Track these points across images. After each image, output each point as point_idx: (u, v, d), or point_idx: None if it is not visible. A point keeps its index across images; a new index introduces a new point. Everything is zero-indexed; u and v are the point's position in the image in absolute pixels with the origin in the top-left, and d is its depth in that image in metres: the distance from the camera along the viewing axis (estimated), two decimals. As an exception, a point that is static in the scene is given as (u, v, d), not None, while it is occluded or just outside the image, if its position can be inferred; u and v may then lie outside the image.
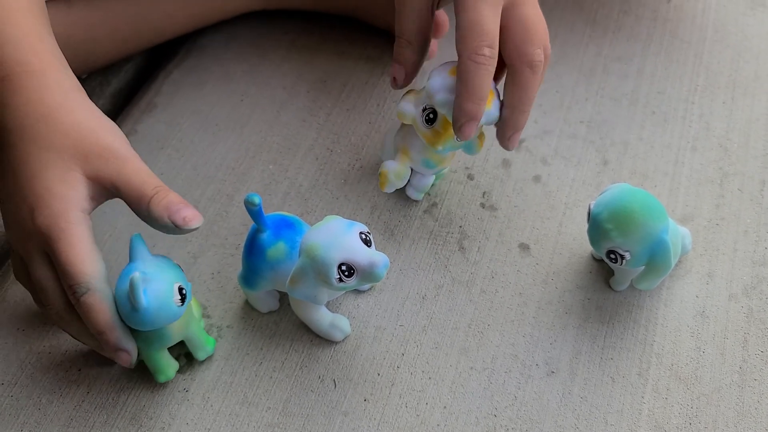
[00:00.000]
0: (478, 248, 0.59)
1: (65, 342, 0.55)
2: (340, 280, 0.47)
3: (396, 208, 0.61)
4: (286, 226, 0.52)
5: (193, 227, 0.47)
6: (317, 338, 0.55)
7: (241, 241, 0.59)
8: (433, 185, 0.61)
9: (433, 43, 0.66)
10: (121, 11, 0.67)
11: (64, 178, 0.48)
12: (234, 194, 0.63)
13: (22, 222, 0.48)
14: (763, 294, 0.55)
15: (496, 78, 0.56)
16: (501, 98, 0.55)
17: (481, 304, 0.56)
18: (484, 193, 0.62)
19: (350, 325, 0.55)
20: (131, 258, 0.48)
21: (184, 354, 0.53)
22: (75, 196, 0.48)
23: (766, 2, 0.75)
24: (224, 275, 0.58)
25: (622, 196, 0.50)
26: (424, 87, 0.55)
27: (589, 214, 0.52)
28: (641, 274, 0.53)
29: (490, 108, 0.53)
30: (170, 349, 0.52)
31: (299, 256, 0.48)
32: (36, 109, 0.49)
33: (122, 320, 0.48)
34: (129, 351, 0.49)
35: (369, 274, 0.46)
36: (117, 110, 0.72)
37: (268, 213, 0.52)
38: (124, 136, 0.50)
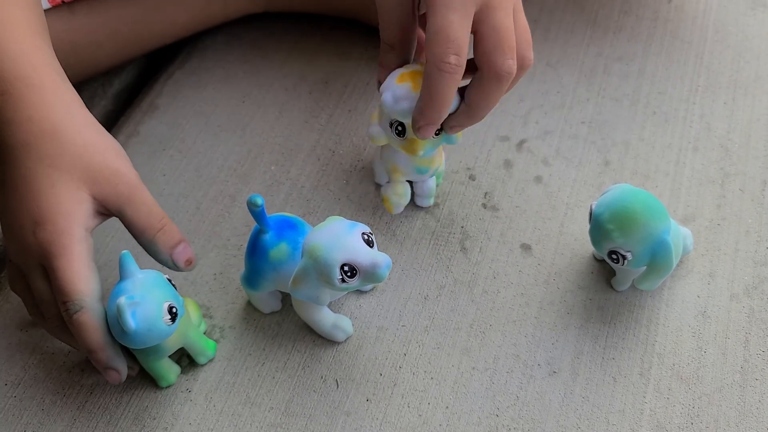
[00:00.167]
0: (480, 249, 0.59)
1: (68, 343, 0.55)
2: (343, 280, 0.47)
3: (398, 208, 0.61)
4: (288, 227, 0.52)
5: (190, 269, 0.52)
6: (320, 339, 0.55)
7: (244, 242, 0.59)
8: (438, 185, 0.61)
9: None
10: (123, 16, 0.67)
11: (72, 197, 0.48)
12: (236, 195, 0.63)
13: (23, 236, 0.48)
14: (765, 294, 0.55)
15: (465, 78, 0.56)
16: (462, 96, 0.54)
17: (483, 305, 0.56)
18: (485, 193, 0.62)
19: (352, 325, 0.55)
20: (121, 276, 0.48)
21: (186, 355, 0.54)
22: (80, 214, 0.48)
23: (766, 2, 0.75)
24: (227, 276, 0.58)
25: (624, 196, 0.51)
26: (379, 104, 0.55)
27: (590, 214, 0.52)
28: (643, 274, 0.53)
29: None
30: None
31: (302, 256, 0.49)
32: (41, 127, 0.49)
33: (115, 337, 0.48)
34: (119, 370, 0.49)
35: (371, 275, 0.46)
36: (119, 111, 0.72)
37: (271, 214, 0.52)
38: (127, 156, 0.51)
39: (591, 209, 0.52)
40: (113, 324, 0.47)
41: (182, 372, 0.53)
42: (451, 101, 0.51)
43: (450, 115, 0.53)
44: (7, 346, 0.56)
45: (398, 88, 0.53)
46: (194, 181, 0.64)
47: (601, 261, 0.57)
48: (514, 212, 0.61)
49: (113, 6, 0.66)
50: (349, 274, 0.47)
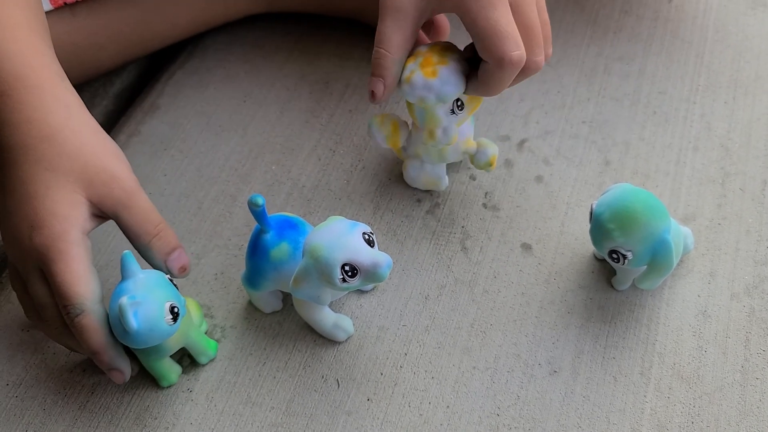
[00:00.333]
0: (481, 248, 0.59)
1: (70, 342, 0.55)
2: (344, 280, 0.47)
3: (399, 208, 0.61)
4: (289, 227, 0.52)
5: (184, 276, 0.52)
6: (320, 338, 0.55)
7: (245, 242, 0.59)
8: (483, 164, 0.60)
9: (441, 16, 0.62)
10: (124, 17, 0.67)
11: (68, 200, 0.48)
12: (237, 195, 0.63)
13: (21, 240, 0.48)
14: (765, 293, 0.55)
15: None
16: (463, 71, 0.53)
17: (484, 304, 0.56)
18: (486, 193, 0.62)
19: (353, 325, 0.55)
20: (122, 276, 0.48)
21: (187, 354, 0.54)
22: (76, 217, 0.48)
23: (766, 2, 0.75)
24: (228, 276, 0.58)
25: (624, 196, 0.51)
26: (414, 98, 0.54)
27: (591, 214, 0.52)
28: (643, 273, 0.53)
29: (436, 79, 0.52)
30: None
31: (302, 256, 0.49)
32: (40, 129, 0.49)
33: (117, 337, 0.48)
34: (122, 370, 0.50)
35: (372, 275, 0.47)
36: (120, 111, 0.72)
37: (271, 214, 0.52)
38: (126, 160, 0.51)
39: (591, 209, 0.52)
40: (115, 324, 0.47)
41: (183, 372, 0.54)
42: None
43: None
44: (8, 346, 0.56)
45: (428, 80, 0.53)
46: (195, 180, 0.64)
47: (602, 260, 0.57)
48: (514, 212, 0.61)
49: (115, 7, 0.66)
50: (350, 273, 0.47)
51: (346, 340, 0.55)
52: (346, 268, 0.47)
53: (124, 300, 0.46)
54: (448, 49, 0.54)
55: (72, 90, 0.51)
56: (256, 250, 0.52)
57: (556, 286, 0.57)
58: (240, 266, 0.58)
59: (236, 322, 0.56)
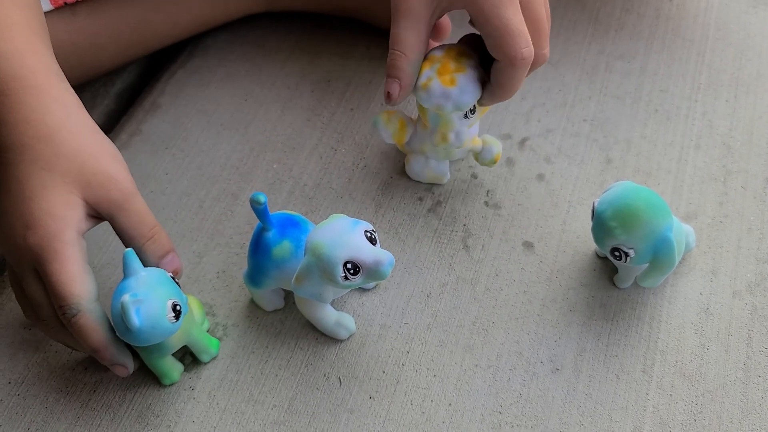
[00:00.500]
0: (482, 246, 0.59)
1: (71, 341, 0.55)
2: (346, 278, 0.47)
3: (400, 206, 0.61)
4: (291, 225, 0.52)
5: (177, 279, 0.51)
6: (322, 336, 0.55)
7: (246, 240, 0.59)
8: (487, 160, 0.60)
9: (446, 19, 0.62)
10: (124, 17, 0.67)
11: (63, 200, 0.48)
12: (239, 193, 0.63)
13: (15, 240, 0.48)
14: (767, 291, 0.55)
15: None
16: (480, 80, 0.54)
17: (486, 302, 0.56)
18: (488, 191, 0.62)
19: (355, 323, 0.55)
20: (125, 274, 0.48)
21: (189, 353, 0.54)
22: (72, 217, 0.48)
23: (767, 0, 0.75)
24: (229, 274, 0.58)
25: (626, 193, 0.51)
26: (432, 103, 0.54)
27: (593, 211, 0.52)
28: (645, 271, 0.53)
29: (454, 88, 0.53)
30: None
31: (304, 254, 0.49)
32: (37, 129, 0.49)
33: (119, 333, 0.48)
34: (125, 364, 0.50)
35: (374, 273, 0.47)
36: (121, 110, 0.72)
37: (273, 212, 0.52)
38: (123, 161, 0.51)
39: (593, 207, 0.52)
40: (117, 321, 0.47)
41: (185, 370, 0.54)
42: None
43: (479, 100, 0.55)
44: (10, 344, 0.56)
45: (447, 88, 0.53)
46: (197, 179, 0.64)
47: (604, 258, 0.57)
48: (516, 210, 0.61)
49: (115, 7, 0.66)
50: (352, 271, 0.47)
51: (348, 338, 0.54)
52: (348, 265, 0.47)
53: (127, 297, 0.46)
54: (463, 54, 0.54)
55: (70, 90, 0.51)
56: (258, 248, 0.52)
57: (558, 284, 0.57)
58: (242, 264, 0.58)
59: (238, 320, 0.56)
